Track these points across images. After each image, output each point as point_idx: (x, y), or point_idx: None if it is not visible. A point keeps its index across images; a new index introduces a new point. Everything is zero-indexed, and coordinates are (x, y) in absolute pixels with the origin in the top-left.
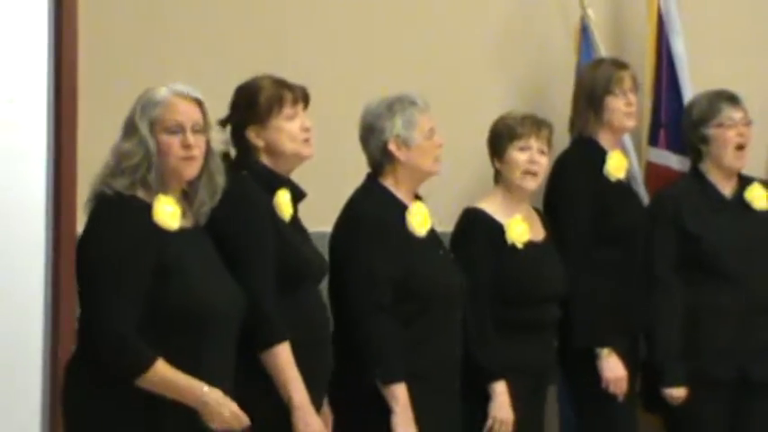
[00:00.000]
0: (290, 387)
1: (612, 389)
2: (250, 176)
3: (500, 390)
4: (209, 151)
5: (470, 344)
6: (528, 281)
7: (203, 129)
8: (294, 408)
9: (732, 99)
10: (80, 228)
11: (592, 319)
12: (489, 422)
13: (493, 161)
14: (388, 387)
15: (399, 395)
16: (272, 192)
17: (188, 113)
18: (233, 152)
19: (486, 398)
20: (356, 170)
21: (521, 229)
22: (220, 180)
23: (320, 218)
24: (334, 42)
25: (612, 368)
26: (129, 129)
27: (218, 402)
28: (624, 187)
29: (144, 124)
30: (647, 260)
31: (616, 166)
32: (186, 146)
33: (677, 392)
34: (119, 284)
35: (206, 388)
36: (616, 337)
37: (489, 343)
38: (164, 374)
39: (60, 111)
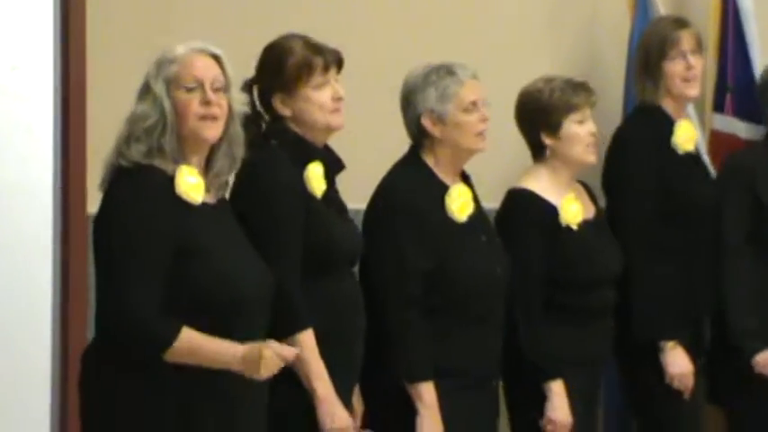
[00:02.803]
0: (313, 378)
1: (677, 385)
2: (279, 147)
3: (557, 390)
4: (229, 114)
5: (522, 339)
6: (585, 263)
7: (224, 87)
8: (319, 401)
9: None
10: (90, 207)
11: (654, 309)
12: (546, 426)
13: (538, 137)
14: (414, 386)
15: (425, 395)
16: (304, 164)
17: (207, 69)
18: (262, 116)
19: (535, 395)
20: (397, 141)
21: (575, 208)
22: (239, 150)
23: (357, 194)
24: (372, 2)
25: (678, 362)
26: (144, 90)
27: (257, 351)
28: (693, 160)
29: (159, 83)
30: (718, 233)
31: (685, 137)
32: (206, 102)
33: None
34: (138, 264)
35: (239, 345)
36: (681, 328)
37: (543, 338)
38: (192, 342)
39: (68, 79)
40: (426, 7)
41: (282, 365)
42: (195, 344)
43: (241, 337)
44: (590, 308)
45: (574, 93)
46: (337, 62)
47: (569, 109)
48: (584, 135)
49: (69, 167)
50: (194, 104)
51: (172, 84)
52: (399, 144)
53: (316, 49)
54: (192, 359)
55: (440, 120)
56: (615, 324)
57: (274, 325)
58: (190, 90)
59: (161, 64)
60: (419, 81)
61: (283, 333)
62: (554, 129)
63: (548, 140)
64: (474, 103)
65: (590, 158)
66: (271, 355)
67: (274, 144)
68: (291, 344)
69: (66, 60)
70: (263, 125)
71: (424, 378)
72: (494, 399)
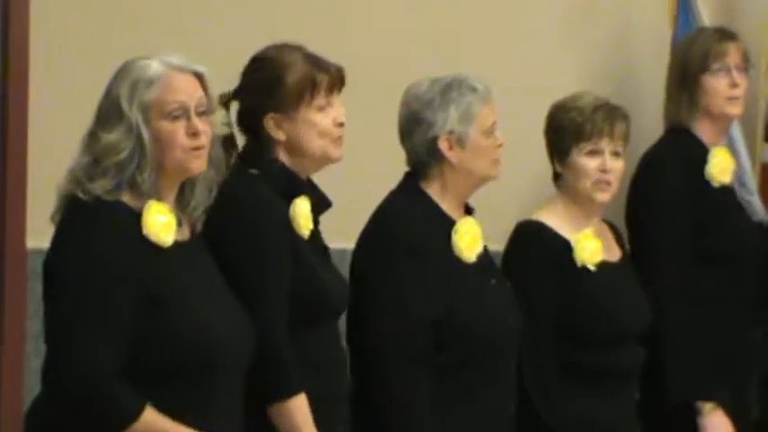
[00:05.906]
0: None
1: None
2: (260, 177)
3: None
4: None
5: (531, 399)
6: (605, 313)
7: (207, 110)
8: None
9: None
10: (31, 242)
11: (689, 365)
12: None
13: (552, 161)
14: None
15: None
16: (290, 199)
17: (191, 92)
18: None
19: None
20: (386, 171)
21: (593, 246)
22: (219, 175)
23: (340, 232)
24: (362, 11)
25: (718, 427)
26: (113, 114)
27: None
28: (730, 195)
29: (134, 109)
30: (763, 279)
31: (721, 167)
32: (193, 133)
33: None
34: (96, 315)
35: None
36: (721, 388)
37: (555, 398)
38: (153, 426)
39: (7, 92)
40: (425, 14)
41: None
42: (156, 429)
43: (215, 403)
44: (610, 368)
45: (590, 119)
46: (340, 81)
47: (579, 136)
48: (591, 169)
49: (6, 197)
50: (180, 135)
51: (151, 110)
52: (382, 174)
53: (319, 63)
54: None
55: (459, 143)
56: (642, 385)
57: (260, 388)
58: (174, 118)
59: (135, 85)
60: (435, 97)
61: (271, 398)
62: (563, 155)
63: (558, 167)
64: (493, 125)
65: (599, 197)
66: None
67: (254, 174)
68: (281, 411)
69: (5, 87)
70: (239, 149)
71: None
72: None
